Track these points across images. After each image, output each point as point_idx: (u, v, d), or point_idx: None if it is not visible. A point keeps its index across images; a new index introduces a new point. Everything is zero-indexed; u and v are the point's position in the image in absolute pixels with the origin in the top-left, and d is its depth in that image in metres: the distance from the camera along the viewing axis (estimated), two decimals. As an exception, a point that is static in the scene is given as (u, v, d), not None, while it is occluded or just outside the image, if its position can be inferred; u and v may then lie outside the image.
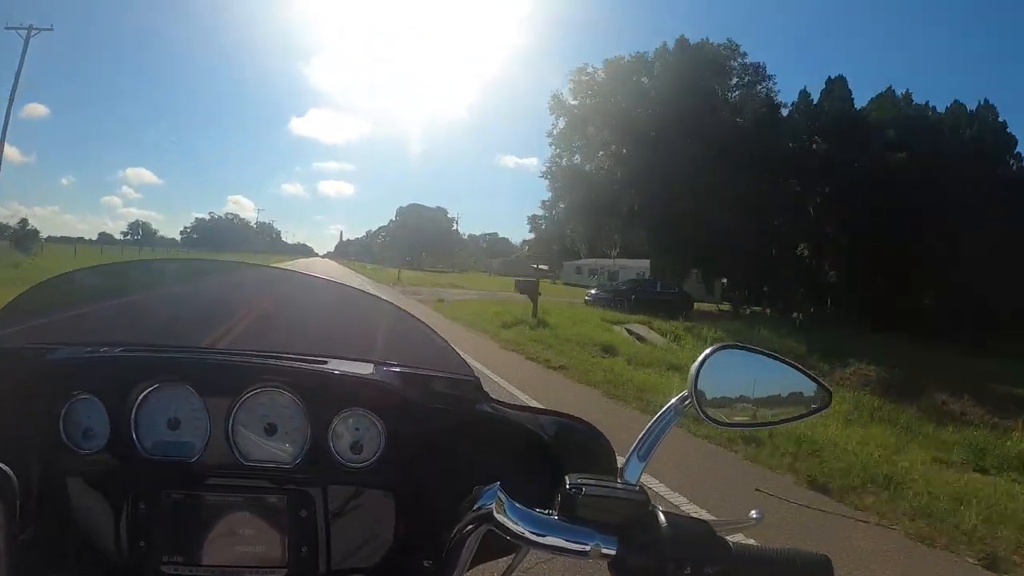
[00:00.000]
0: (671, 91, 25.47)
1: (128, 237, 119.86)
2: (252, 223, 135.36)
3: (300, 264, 53.85)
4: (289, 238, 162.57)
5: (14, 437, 0.68)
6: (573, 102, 28.55)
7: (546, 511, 0.56)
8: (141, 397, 0.71)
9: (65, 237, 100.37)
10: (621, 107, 26.40)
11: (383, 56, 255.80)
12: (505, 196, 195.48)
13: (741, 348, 0.71)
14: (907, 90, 31.46)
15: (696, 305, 24.56)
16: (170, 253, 62.42)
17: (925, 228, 24.71)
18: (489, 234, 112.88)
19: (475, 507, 0.57)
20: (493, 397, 0.80)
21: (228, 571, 0.70)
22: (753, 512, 0.67)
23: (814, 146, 28.29)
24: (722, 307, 28.34)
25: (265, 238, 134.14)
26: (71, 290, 0.98)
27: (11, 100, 21.52)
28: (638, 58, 27.99)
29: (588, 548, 0.52)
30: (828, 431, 5.22)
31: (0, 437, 0.67)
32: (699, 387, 0.67)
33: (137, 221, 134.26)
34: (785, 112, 29.43)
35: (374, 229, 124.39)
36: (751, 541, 0.91)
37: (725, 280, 31.08)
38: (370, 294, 0.98)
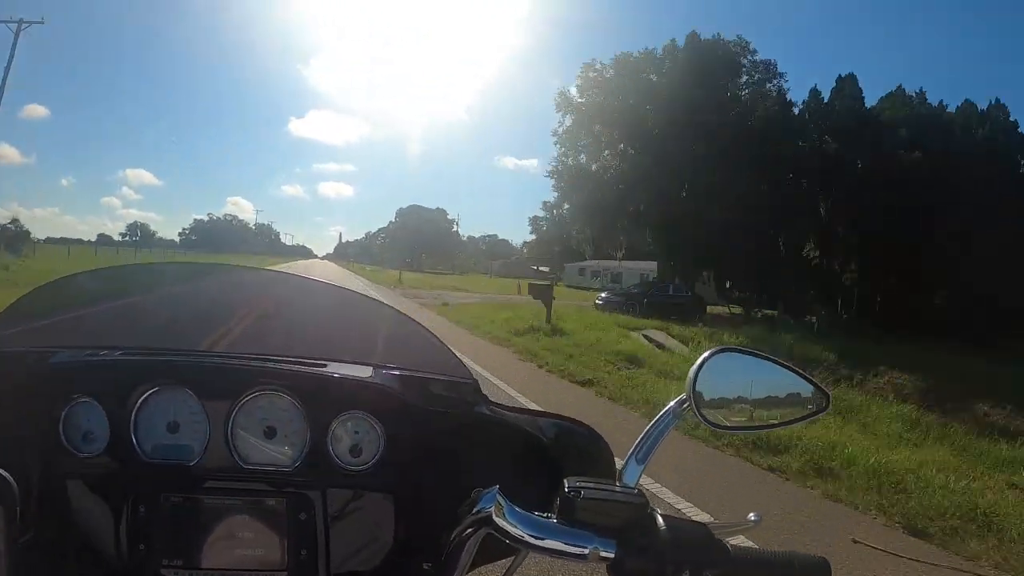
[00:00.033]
0: (681, 88, 24.91)
1: (126, 238, 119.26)
2: (251, 224, 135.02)
3: (299, 266, 53.22)
4: (288, 239, 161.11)
5: (14, 440, 0.68)
6: (580, 99, 27.75)
7: (545, 514, 0.56)
8: (141, 400, 0.72)
9: (64, 238, 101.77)
10: (629, 104, 25.74)
11: (382, 57, 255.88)
12: (504, 197, 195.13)
13: (739, 351, 0.71)
14: (921, 88, 30.91)
15: (707, 308, 24.15)
16: (167, 255, 62.09)
17: (936, 227, 24.58)
18: (489, 236, 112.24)
19: (474, 510, 0.57)
20: (492, 400, 0.80)
21: (228, 574, 0.69)
22: (751, 514, 0.66)
23: (823, 145, 27.62)
24: (733, 310, 27.68)
25: (264, 239, 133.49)
26: (71, 293, 0.98)
27: (0, 94, 20.61)
28: (647, 54, 27.29)
29: (587, 551, 0.52)
30: (898, 455, 4.87)
31: (0, 439, 0.68)
32: (697, 390, 0.67)
33: (135, 222, 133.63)
34: (795, 111, 28.81)
35: (373, 231, 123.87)
36: (750, 543, 0.88)
37: (728, 282, 30.43)
38: (368, 297, 0.97)
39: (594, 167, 28.21)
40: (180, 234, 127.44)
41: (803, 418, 0.72)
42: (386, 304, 0.94)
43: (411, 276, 43.57)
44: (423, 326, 0.87)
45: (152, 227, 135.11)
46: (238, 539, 0.69)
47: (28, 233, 34.78)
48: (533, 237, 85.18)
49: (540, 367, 8.20)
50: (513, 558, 0.67)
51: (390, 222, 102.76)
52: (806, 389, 0.71)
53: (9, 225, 32.81)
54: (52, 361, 0.74)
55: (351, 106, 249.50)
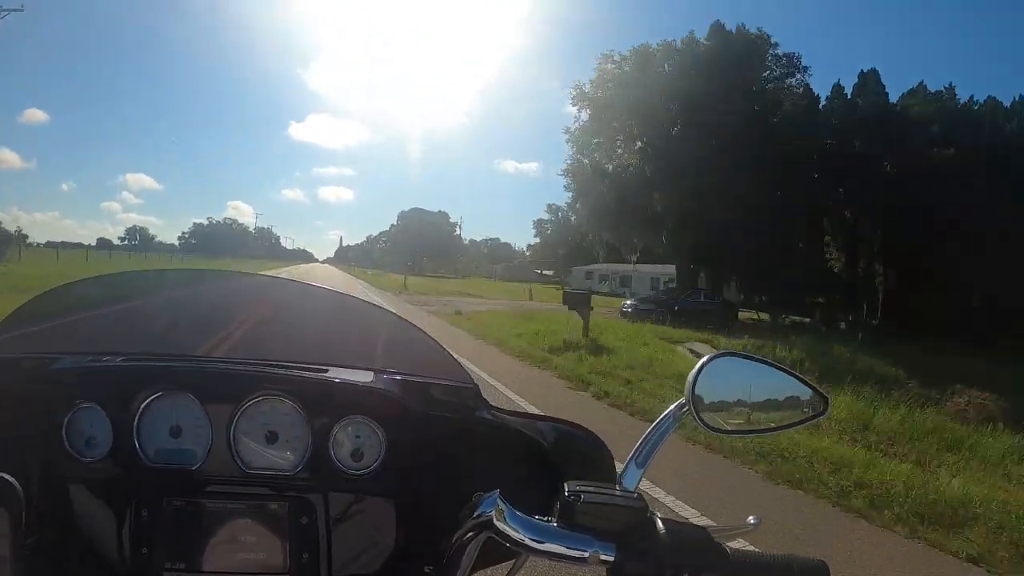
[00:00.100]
0: (704, 80, 23.36)
1: (126, 243, 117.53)
2: (251, 228, 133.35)
3: (300, 270, 51.61)
4: (288, 243, 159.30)
5: (17, 444, 0.70)
6: (597, 93, 26.05)
7: (545, 518, 0.56)
8: (143, 406, 0.73)
9: (65, 242, 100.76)
10: (648, 98, 24.12)
11: (382, 57, 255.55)
12: (505, 200, 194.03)
13: (738, 355, 0.71)
14: (950, 83, 29.48)
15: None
16: (164, 259, 60.57)
17: (975, 226, 23.38)
18: (491, 239, 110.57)
19: (475, 514, 0.57)
20: (493, 405, 0.81)
21: None
22: (751, 517, 0.66)
23: (852, 142, 26.12)
24: (761, 316, 26.06)
25: (264, 244, 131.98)
26: (73, 300, 0.99)
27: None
28: (666, 45, 25.75)
29: (587, 555, 0.53)
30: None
31: (4, 445, 0.69)
32: (697, 393, 0.67)
33: (135, 227, 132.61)
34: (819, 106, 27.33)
35: (374, 234, 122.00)
36: (750, 547, 0.84)
37: (735, 284, 28.88)
38: (368, 302, 0.97)
39: (610, 167, 26.62)
40: (180, 238, 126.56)
41: (802, 421, 0.72)
42: (386, 309, 0.96)
43: (415, 281, 42.06)
44: (423, 331, 0.88)
45: (152, 231, 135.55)
46: (240, 543, 0.70)
47: (11, 236, 32.59)
48: (537, 240, 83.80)
49: (598, 399, 6.57)
50: (514, 562, 0.68)
51: (391, 225, 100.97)
52: (804, 393, 0.72)
53: (-5, 227, 30.79)
54: (55, 367, 0.76)
55: (350, 109, 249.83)
